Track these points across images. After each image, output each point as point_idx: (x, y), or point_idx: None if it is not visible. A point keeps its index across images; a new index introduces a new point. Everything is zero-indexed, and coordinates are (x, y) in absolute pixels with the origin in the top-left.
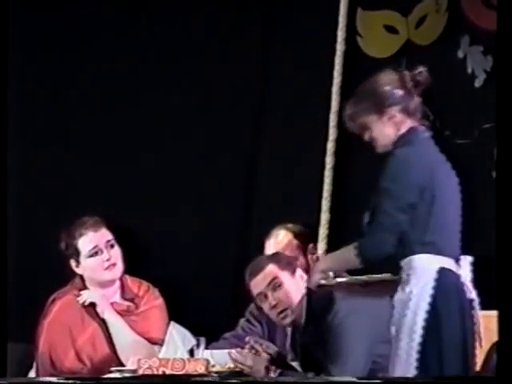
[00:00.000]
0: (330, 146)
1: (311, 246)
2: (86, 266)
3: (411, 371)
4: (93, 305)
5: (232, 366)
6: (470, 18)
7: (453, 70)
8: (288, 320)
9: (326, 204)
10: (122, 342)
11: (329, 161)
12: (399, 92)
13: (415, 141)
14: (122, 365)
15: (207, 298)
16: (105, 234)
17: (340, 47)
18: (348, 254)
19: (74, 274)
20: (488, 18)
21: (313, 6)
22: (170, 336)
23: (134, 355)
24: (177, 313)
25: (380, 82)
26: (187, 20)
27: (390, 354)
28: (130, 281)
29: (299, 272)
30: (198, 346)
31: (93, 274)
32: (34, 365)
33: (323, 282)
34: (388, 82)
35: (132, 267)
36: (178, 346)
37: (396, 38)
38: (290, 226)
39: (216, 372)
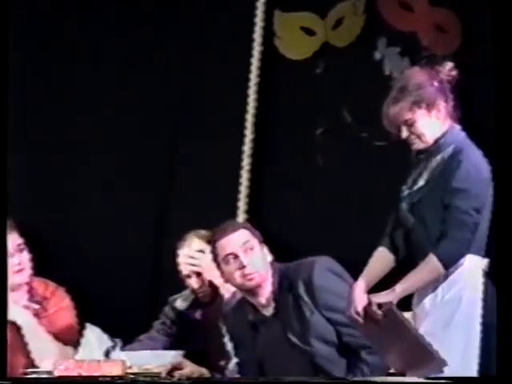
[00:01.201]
0: (248, 147)
1: None
2: None
3: (472, 369)
4: None
5: (149, 367)
6: (387, 20)
7: (370, 72)
8: (253, 283)
9: (242, 205)
10: (36, 345)
11: (246, 162)
12: (442, 87)
13: (460, 139)
14: (35, 367)
15: (123, 300)
16: (15, 238)
17: (257, 48)
18: (430, 266)
19: None
20: (405, 20)
21: (230, 7)
22: (86, 337)
23: (48, 357)
24: (93, 314)
25: (423, 77)
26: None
27: (427, 353)
28: (36, 282)
29: (264, 246)
30: (113, 347)
31: None
32: None
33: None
34: (431, 77)
35: (46, 269)
36: (93, 347)
37: (313, 39)
38: (202, 232)
39: (132, 373)
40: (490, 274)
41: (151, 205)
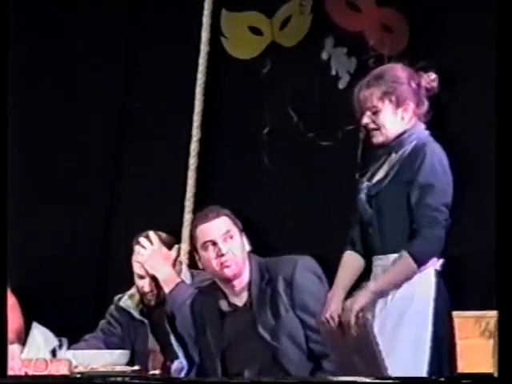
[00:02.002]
0: (194, 146)
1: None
2: None
3: (423, 369)
4: None
5: (95, 366)
6: (335, 20)
7: (317, 72)
8: (230, 271)
9: (189, 205)
10: None
11: (192, 162)
12: (418, 90)
13: (423, 136)
14: None
15: (69, 299)
16: None
17: (204, 48)
18: (403, 266)
19: None
20: (352, 20)
21: (177, 6)
22: (32, 336)
23: None
24: (39, 313)
25: (403, 74)
26: None
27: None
28: None
29: (244, 235)
30: (60, 346)
31: None
32: None
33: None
34: (411, 77)
35: None
36: (40, 346)
37: (260, 39)
38: (160, 233)
39: (78, 373)
40: (442, 274)
41: (99, 205)
